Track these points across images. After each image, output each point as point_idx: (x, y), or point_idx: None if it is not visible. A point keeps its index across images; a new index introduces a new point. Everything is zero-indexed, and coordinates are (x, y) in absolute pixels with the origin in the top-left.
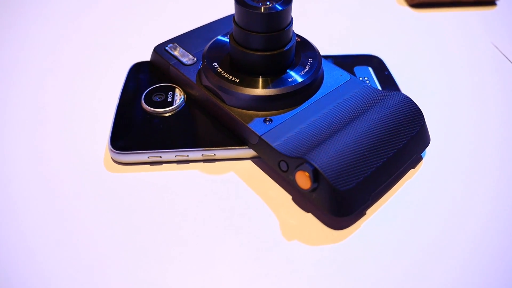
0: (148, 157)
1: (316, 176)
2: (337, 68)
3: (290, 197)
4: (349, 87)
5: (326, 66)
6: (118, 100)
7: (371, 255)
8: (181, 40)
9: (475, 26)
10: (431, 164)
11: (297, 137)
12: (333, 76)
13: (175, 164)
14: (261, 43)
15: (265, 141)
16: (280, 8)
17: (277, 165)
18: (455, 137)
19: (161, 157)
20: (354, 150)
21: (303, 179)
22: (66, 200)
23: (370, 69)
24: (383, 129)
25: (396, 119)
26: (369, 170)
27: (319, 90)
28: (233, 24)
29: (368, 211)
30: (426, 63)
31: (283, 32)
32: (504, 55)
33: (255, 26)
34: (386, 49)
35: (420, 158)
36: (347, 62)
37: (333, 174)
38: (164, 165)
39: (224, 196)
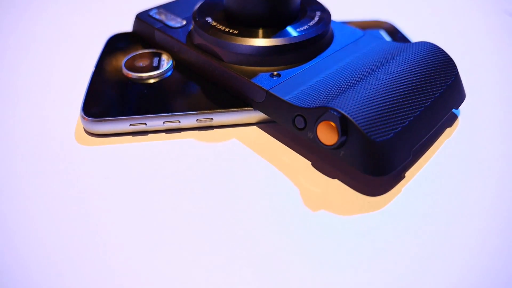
0: (130, 125)
1: (344, 125)
2: (348, 26)
3: (309, 163)
4: (365, 42)
5: (335, 24)
6: (94, 68)
7: (419, 223)
8: (168, 7)
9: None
10: (468, 121)
11: (312, 90)
12: (345, 33)
13: (163, 134)
14: None
15: (274, 96)
16: None
17: (292, 122)
18: (485, 96)
19: (146, 124)
20: (386, 96)
21: (327, 132)
22: (25, 179)
23: (383, 32)
24: (415, 76)
25: (428, 67)
26: (407, 119)
27: (331, 45)
28: None
29: (407, 174)
30: (439, 30)
31: None
32: None
33: None
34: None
35: (455, 116)
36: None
37: (365, 122)
38: (150, 135)
39: (228, 166)
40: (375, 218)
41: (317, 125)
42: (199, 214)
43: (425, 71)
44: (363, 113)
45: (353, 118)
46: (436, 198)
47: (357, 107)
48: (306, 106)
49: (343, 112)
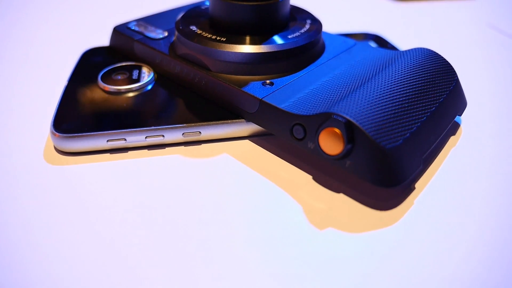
0: (107, 141)
1: (350, 132)
2: (338, 36)
3: (310, 177)
4: (358, 50)
5: (325, 35)
6: (67, 81)
7: (438, 238)
8: (148, 19)
9: (458, 13)
10: (471, 129)
11: (309, 97)
12: (336, 42)
13: (145, 151)
14: None
15: (268, 105)
16: None
17: (290, 132)
18: (484, 103)
19: (125, 140)
20: (391, 101)
21: (331, 141)
22: None
23: (372, 43)
24: (417, 81)
25: (429, 72)
26: (414, 125)
27: (323, 54)
28: None
29: (417, 185)
30: (423, 43)
31: None
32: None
33: None
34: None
35: (458, 124)
36: None
37: (373, 128)
38: (130, 152)
39: (220, 184)
40: (389, 234)
41: (319, 133)
42: (191, 241)
43: (427, 76)
44: (369, 118)
45: (360, 123)
46: (451, 211)
47: (362, 112)
48: (305, 113)
49: (348, 117)
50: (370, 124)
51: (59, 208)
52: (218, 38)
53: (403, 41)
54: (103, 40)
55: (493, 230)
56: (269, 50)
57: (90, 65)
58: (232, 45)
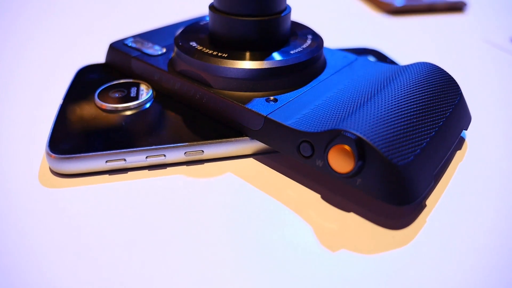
0: (106, 162)
1: (360, 149)
2: (339, 51)
3: (318, 195)
4: (360, 65)
5: (326, 50)
6: (62, 100)
7: (455, 258)
8: (145, 36)
9: (448, 26)
10: (477, 144)
11: (315, 113)
12: (337, 58)
13: (146, 171)
14: (253, 4)
15: (274, 122)
16: None
17: (297, 150)
18: (486, 117)
19: (125, 160)
20: (399, 117)
21: (341, 158)
22: None
23: (372, 58)
24: (423, 96)
25: (434, 86)
26: (424, 141)
27: (325, 69)
28: None
29: (428, 202)
30: (429, 58)
31: None
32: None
33: None
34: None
35: (462, 139)
36: None
37: (384, 144)
38: (130, 172)
39: (225, 205)
40: (404, 254)
41: (328, 150)
42: (196, 265)
43: (432, 91)
44: (380, 135)
45: (371, 140)
46: (464, 228)
47: (372, 128)
48: (312, 130)
49: (358, 134)
50: (381, 141)
51: (55, 234)
52: (219, 54)
53: (400, 55)
54: (99, 56)
55: (509, 247)
56: (272, 66)
57: (86, 83)
58: (234, 61)
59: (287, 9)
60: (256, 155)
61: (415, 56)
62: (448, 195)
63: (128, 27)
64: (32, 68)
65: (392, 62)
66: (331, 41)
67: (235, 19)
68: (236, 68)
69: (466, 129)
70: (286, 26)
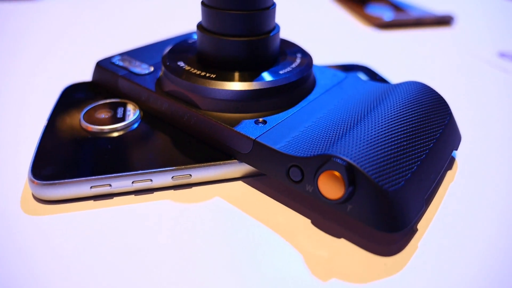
0: (91, 188)
1: (351, 175)
2: (328, 68)
3: (308, 220)
4: (349, 84)
5: (316, 68)
6: (46, 121)
7: (446, 284)
8: (132, 53)
9: (436, 40)
10: (467, 163)
11: (305, 136)
12: (326, 76)
13: (132, 196)
14: (242, 24)
15: (263, 145)
16: None
17: (286, 175)
18: (476, 135)
19: (110, 185)
20: (389, 140)
21: (331, 184)
22: None
23: (361, 75)
24: (413, 117)
25: (423, 107)
26: (415, 164)
27: (315, 89)
28: (202, 8)
29: (419, 226)
30: (418, 72)
31: (268, 12)
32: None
33: (235, 1)
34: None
35: (453, 158)
36: None
37: (374, 170)
38: (116, 198)
39: (213, 230)
40: (396, 282)
41: (318, 176)
42: None
43: (422, 112)
44: (370, 160)
45: (361, 166)
46: (457, 253)
47: (362, 154)
48: (302, 155)
49: (348, 159)
50: (372, 166)
51: (39, 264)
52: (207, 74)
53: (389, 69)
54: (85, 74)
55: (501, 268)
56: (260, 87)
57: (72, 103)
58: (222, 82)
59: (276, 28)
60: (244, 177)
61: (404, 70)
62: (440, 218)
63: (114, 43)
64: (15, 87)
65: (382, 79)
66: (320, 56)
67: (223, 39)
68: (225, 89)
69: (456, 150)
70: (275, 45)
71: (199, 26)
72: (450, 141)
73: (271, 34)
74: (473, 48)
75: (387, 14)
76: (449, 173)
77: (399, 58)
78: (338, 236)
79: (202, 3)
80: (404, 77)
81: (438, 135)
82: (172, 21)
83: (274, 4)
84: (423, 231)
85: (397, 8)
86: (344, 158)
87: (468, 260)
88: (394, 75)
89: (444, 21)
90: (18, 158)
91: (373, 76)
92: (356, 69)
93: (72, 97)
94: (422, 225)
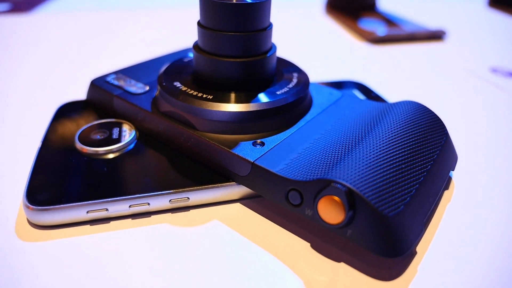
0: (87, 212)
1: (351, 200)
2: (324, 87)
3: (307, 244)
4: (345, 103)
5: (312, 86)
6: (40, 143)
7: None
8: (127, 72)
9: (429, 55)
10: (463, 182)
11: (303, 159)
12: (323, 95)
13: (129, 220)
14: (238, 45)
15: (261, 168)
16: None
17: (285, 198)
18: (470, 153)
19: (107, 210)
20: (387, 164)
21: (331, 209)
22: None
23: (356, 92)
24: (410, 139)
25: (420, 128)
26: (413, 187)
27: (311, 108)
28: (198, 29)
29: (418, 248)
30: (411, 86)
31: (265, 33)
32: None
33: (231, 22)
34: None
35: (449, 178)
36: None
37: (374, 195)
38: (112, 222)
39: (212, 255)
40: None
41: (318, 201)
42: None
43: (419, 133)
44: (369, 185)
45: (361, 191)
46: (457, 275)
47: (361, 178)
48: (301, 179)
49: (348, 185)
50: (371, 191)
51: None
52: (204, 95)
53: (383, 85)
54: (78, 91)
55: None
56: (258, 109)
57: (66, 123)
58: (220, 103)
59: (273, 48)
60: (242, 199)
61: (397, 86)
62: (438, 240)
63: (108, 59)
64: (6, 105)
65: (376, 96)
66: (314, 71)
67: (220, 61)
68: (222, 111)
69: (453, 170)
70: (271, 65)
71: (196, 46)
72: (447, 162)
73: (268, 55)
74: (465, 64)
75: (380, 29)
76: (446, 192)
77: (393, 73)
78: (337, 260)
79: (199, 24)
80: (397, 93)
81: (436, 156)
82: (166, 38)
83: (271, 25)
84: (422, 255)
85: (390, 22)
86: (344, 183)
87: (469, 282)
88: (388, 91)
89: (436, 35)
90: (12, 181)
91: (368, 93)
92: (350, 86)
93: (67, 117)
94: (420, 248)
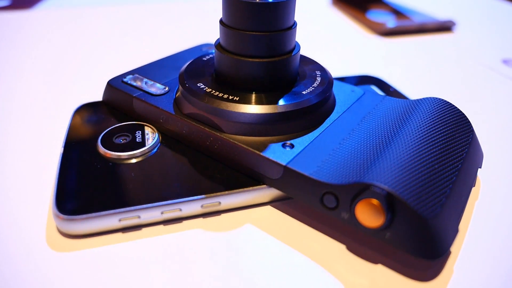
0: (119, 220)
1: (390, 203)
2: (345, 84)
3: (343, 246)
4: (368, 101)
5: (334, 84)
6: (62, 148)
7: None
8: (143, 70)
9: (440, 46)
10: (489, 177)
11: (335, 160)
12: (344, 93)
13: (161, 226)
14: (264, 45)
15: (294, 172)
16: None
17: (320, 201)
18: (493, 149)
19: (139, 217)
20: (422, 165)
21: (370, 213)
22: None
23: (374, 88)
24: (439, 138)
25: (448, 126)
26: (447, 188)
27: (335, 108)
28: (221, 28)
29: (452, 248)
30: (423, 79)
31: (291, 32)
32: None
33: (259, 22)
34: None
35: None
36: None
37: (413, 198)
38: (144, 229)
39: (248, 259)
40: None
41: (356, 204)
42: None
43: (447, 132)
44: (407, 187)
45: (400, 194)
46: (493, 274)
47: (399, 180)
48: (337, 182)
49: (387, 188)
50: (410, 193)
51: None
52: (230, 97)
53: (396, 78)
54: (89, 89)
55: None
56: (286, 110)
57: (86, 125)
58: (247, 105)
59: (296, 47)
60: (272, 202)
61: (411, 79)
62: (471, 238)
63: (112, 56)
64: (20, 108)
65: (395, 91)
66: (327, 65)
67: (246, 61)
68: (250, 113)
69: (480, 167)
70: (296, 64)
71: (218, 46)
72: (475, 159)
73: (293, 54)
74: (476, 55)
75: (389, 21)
76: (473, 190)
77: (406, 67)
78: (374, 261)
79: (222, 23)
80: (413, 87)
81: (465, 154)
82: (177, 34)
83: (295, 23)
84: (456, 254)
85: (398, 13)
86: (383, 186)
87: (505, 281)
88: (403, 85)
89: (446, 27)
90: (37, 188)
91: (386, 88)
92: (368, 82)
93: (85, 119)
94: (454, 247)
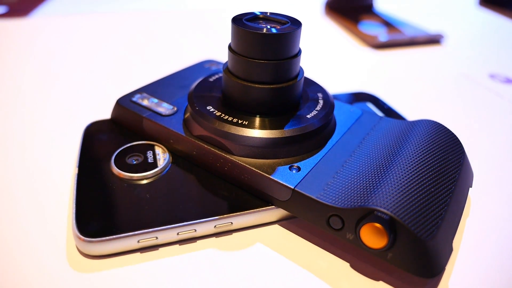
0: (138, 241)
1: (392, 227)
2: (343, 104)
3: (347, 264)
4: (366, 121)
5: None
6: (77, 169)
7: None
8: (150, 89)
9: (429, 60)
10: (479, 195)
11: (339, 183)
12: (344, 113)
13: (177, 246)
14: (272, 72)
15: (302, 194)
16: (295, 27)
17: (326, 222)
18: (482, 166)
19: (157, 238)
20: (419, 188)
21: (373, 235)
22: None
23: (370, 105)
24: (434, 161)
25: (441, 150)
26: (442, 210)
27: (336, 129)
28: (230, 54)
29: (447, 265)
30: (413, 93)
31: (297, 59)
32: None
33: (268, 51)
34: (367, 88)
35: None
36: (342, 101)
37: (413, 221)
38: (161, 249)
39: (258, 277)
40: None
41: (360, 227)
42: None
43: (441, 155)
44: (408, 211)
45: (401, 218)
46: (490, 284)
47: (400, 205)
48: (342, 205)
49: (390, 213)
50: (410, 217)
51: None
52: (239, 121)
53: (389, 92)
54: (91, 100)
55: None
56: (293, 134)
57: (98, 144)
58: (256, 129)
59: (301, 72)
60: (280, 221)
61: (402, 92)
62: (464, 255)
63: (112, 65)
64: (32, 129)
65: (389, 108)
66: (322, 79)
67: (255, 87)
68: (259, 137)
69: (471, 187)
70: (300, 89)
71: (227, 70)
72: (467, 180)
73: (298, 79)
74: (463, 69)
75: (381, 34)
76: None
77: (397, 80)
78: (376, 279)
79: (231, 49)
80: (405, 101)
81: (457, 176)
82: (178, 49)
83: (300, 51)
84: (450, 271)
85: (389, 25)
86: (386, 211)
87: None
88: (396, 99)
89: (434, 39)
90: (53, 207)
91: (381, 105)
92: (364, 99)
93: (96, 138)
94: (449, 263)
